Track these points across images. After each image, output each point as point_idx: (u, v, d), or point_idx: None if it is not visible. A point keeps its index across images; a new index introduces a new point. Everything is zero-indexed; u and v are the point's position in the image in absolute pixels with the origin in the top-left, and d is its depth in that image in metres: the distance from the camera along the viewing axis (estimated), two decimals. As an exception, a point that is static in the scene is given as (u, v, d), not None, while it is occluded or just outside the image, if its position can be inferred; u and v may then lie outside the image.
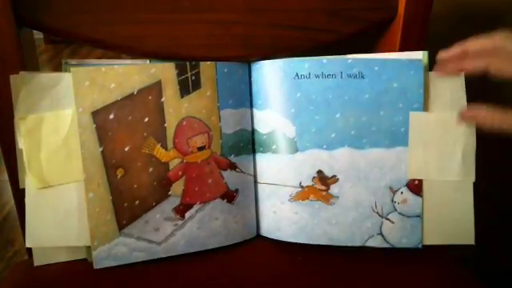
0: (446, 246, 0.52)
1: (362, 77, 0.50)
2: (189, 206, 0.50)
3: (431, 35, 0.54)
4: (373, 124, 0.50)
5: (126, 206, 0.48)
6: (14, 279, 0.50)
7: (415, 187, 0.50)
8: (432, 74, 0.50)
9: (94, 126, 0.46)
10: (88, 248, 0.48)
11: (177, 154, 0.49)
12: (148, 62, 0.50)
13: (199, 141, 0.50)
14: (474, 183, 0.50)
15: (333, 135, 0.50)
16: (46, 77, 0.46)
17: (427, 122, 0.50)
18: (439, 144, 0.50)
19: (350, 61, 0.50)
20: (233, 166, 0.52)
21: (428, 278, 0.50)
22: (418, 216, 0.50)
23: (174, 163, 0.49)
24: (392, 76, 0.50)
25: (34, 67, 0.50)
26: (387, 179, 0.50)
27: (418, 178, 0.50)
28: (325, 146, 0.50)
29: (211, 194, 0.51)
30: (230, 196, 0.52)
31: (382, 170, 0.50)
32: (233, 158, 0.52)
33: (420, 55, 0.50)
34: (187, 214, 0.50)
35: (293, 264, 0.52)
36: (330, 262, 0.51)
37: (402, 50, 0.53)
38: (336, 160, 0.51)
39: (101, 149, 0.47)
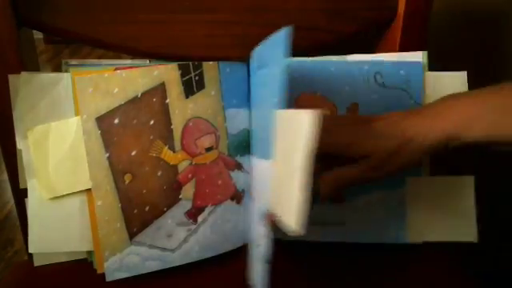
0: (446, 247, 0.52)
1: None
2: (201, 210, 0.49)
3: (431, 35, 0.54)
4: None
5: (136, 213, 0.47)
6: (14, 279, 0.50)
7: None
8: None
9: (99, 132, 0.45)
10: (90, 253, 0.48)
11: (185, 156, 0.48)
12: (148, 61, 0.50)
13: (207, 141, 0.49)
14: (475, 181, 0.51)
15: None
16: (45, 77, 0.46)
17: None
18: None
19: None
20: (239, 167, 0.51)
21: (428, 278, 0.50)
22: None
23: (183, 166, 0.48)
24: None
25: (34, 67, 0.50)
26: None
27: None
28: None
29: (222, 195, 0.50)
30: (238, 197, 0.51)
31: None
32: (238, 159, 0.51)
33: (419, 56, 0.50)
34: (200, 218, 0.49)
35: (293, 263, 0.52)
36: (329, 261, 0.51)
37: (401, 50, 0.53)
38: None
39: (107, 155, 0.45)
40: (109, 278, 0.46)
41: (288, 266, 0.51)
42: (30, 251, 0.47)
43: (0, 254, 1.09)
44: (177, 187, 0.48)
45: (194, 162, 0.49)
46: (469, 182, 0.50)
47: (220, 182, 0.50)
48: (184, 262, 0.49)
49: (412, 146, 0.38)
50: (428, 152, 0.38)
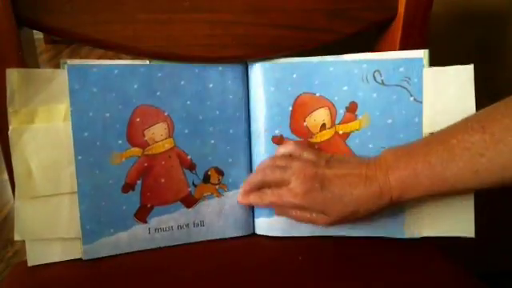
0: (446, 246, 0.52)
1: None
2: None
3: (431, 35, 0.54)
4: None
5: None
6: (14, 279, 0.50)
7: None
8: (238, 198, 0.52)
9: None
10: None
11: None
12: (148, 62, 0.50)
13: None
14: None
15: None
16: (41, 73, 0.46)
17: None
18: None
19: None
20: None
21: (428, 278, 0.50)
22: None
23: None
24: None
25: (34, 67, 0.50)
26: None
27: None
28: None
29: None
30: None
31: None
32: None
33: (421, 54, 0.50)
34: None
35: (292, 262, 0.52)
36: (329, 262, 0.51)
37: (402, 49, 0.53)
38: None
39: None
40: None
41: (289, 259, 0.51)
42: (16, 238, 0.47)
43: (0, 253, 1.09)
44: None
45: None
46: None
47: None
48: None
49: (363, 210, 0.47)
50: (377, 211, 0.47)
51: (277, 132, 0.52)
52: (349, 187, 0.46)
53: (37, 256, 0.49)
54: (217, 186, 0.52)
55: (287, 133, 0.52)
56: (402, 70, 0.50)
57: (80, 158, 0.47)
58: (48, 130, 0.46)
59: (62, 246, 0.49)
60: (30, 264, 0.49)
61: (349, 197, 0.46)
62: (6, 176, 0.48)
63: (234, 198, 0.53)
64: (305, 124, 0.52)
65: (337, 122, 0.52)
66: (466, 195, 0.50)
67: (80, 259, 0.49)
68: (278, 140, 0.52)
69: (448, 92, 0.50)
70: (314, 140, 0.52)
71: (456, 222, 0.51)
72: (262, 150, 0.53)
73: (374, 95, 0.51)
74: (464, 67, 0.49)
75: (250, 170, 0.54)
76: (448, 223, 0.51)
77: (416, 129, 0.50)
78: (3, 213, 1.18)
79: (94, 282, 0.48)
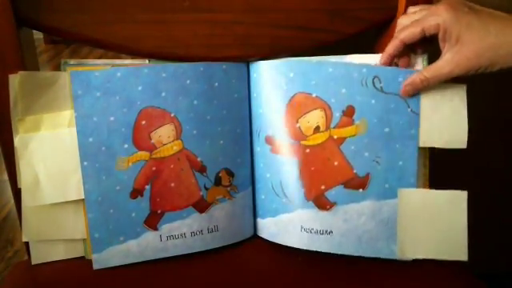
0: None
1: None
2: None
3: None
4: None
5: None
6: (14, 279, 0.50)
7: None
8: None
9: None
10: (85, 245, 0.49)
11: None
12: (147, 61, 0.50)
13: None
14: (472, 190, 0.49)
15: None
16: (42, 75, 0.46)
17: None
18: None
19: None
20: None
21: (428, 278, 0.50)
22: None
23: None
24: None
25: (34, 67, 0.50)
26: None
27: None
28: None
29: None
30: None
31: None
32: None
33: (419, 58, 0.49)
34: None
35: (292, 264, 0.52)
36: (329, 264, 0.51)
37: (401, 50, 0.53)
38: None
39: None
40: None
41: (273, 270, 0.51)
42: (24, 240, 0.47)
43: (0, 253, 1.09)
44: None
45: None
46: (461, 197, 0.48)
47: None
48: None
49: (505, 48, 0.43)
50: None
51: (270, 132, 0.51)
52: (497, 19, 0.43)
53: (40, 254, 0.49)
54: (228, 189, 0.51)
55: (280, 133, 0.51)
56: (400, 79, 0.48)
57: (86, 164, 0.46)
58: (54, 137, 0.46)
59: (65, 245, 0.49)
60: (33, 262, 0.49)
61: (494, 26, 0.43)
62: (5, 176, 0.48)
63: (245, 200, 0.53)
64: (297, 125, 0.50)
65: (332, 125, 0.49)
66: (460, 217, 0.48)
67: (81, 259, 0.49)
68: (271, 140, 0.51)
69: (443, 108, 0.48)
70: (306, 143, 0.50)
71: (449, 244, 0.49)
72: (259, 150, 0.53)
73: (373, 101, 0.49)
74: (457, 86, 0.48)
75: (252, 170, 0.54)
76: (440, 245, 0.49)
77: (412, 141, 0.49)
78: (3, 213, 1.18)
79: (95, 282, 0.48)
